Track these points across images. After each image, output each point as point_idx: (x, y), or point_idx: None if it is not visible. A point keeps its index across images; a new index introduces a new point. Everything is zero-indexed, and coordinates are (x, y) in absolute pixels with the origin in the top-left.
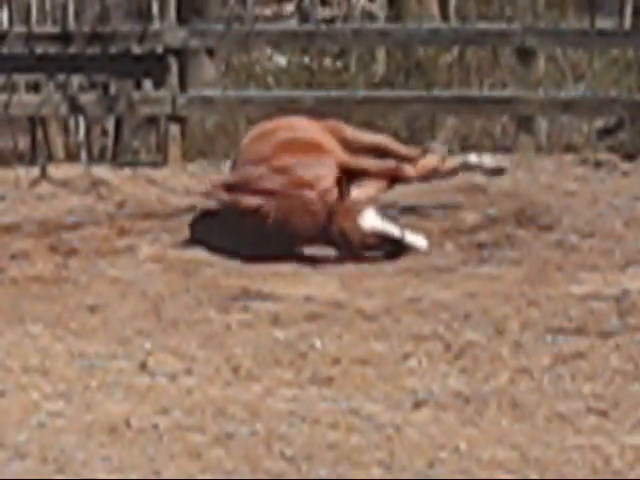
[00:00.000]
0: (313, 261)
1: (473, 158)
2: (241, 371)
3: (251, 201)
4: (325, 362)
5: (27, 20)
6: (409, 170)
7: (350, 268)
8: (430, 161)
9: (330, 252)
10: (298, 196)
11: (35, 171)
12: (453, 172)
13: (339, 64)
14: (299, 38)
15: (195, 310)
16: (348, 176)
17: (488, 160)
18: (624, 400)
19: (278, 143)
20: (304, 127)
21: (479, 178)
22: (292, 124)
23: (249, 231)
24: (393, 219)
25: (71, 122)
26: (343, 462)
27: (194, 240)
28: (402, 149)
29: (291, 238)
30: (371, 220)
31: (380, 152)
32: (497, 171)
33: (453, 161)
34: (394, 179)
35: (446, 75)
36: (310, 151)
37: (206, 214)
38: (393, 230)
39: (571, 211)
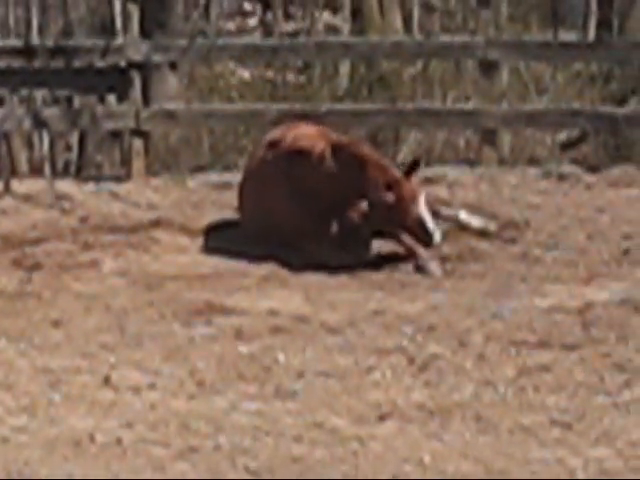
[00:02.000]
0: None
1: (463, 215)
2: (205, 385)
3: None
4: (289, 376)
5: None
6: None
7: (313, 281)
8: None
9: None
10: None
11: None
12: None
13: (303, 78)
14: (262, 52)
15: (159, 324)
16: None
17: (476, 221)
18: (588, 413)
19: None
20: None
21: (442, 191)
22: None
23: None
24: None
25: (35, 136)
26: (307, 476)
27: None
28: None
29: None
30: (422, 206)
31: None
32: (483, 232)
33: (444, 210)
34: None
35: (410, 88)
36: None
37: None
38: (430, 225)
39: (535, 224)
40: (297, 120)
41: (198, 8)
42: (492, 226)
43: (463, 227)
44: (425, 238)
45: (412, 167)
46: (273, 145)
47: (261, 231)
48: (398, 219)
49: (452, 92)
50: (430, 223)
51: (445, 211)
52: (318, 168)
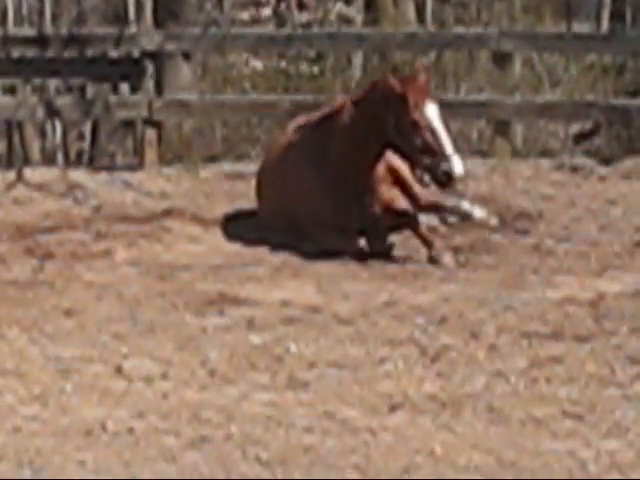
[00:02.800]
0: None
1: (465, 206)
2: (217, 375)
3: None
4: (301, 366)
5: (3, 23)
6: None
7: (326, 271)
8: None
9: None
10: None
11: (11, 175)
12: (440, 208)
13: (316, 68)
14: (276, 42)
15: (171, 314)
16: None
17: (479, 213)
18: (599, 404)
19: None
20: None
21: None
22: None
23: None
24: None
25: (48, 126)
26: (318, 466)
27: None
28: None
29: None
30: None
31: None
32: (485, 224)
33: (446, 199)
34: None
35: None
36: None
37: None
38: (447, 143)
39: (547, 215)
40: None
41: None
42: (493, 221)
43: (466, 218)
44: (443, 167)
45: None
46: (300, 128)
47: (279, 220)
48: (411, 122)
49: (465, 83)
50: (445, 139)
51: (448, 202)
52: (341, 122)
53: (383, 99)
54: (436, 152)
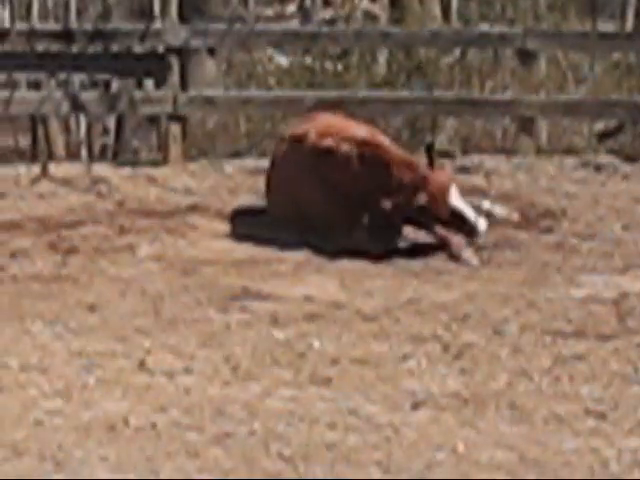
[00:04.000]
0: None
1: (486, 205)
2: (240, 371)
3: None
4: (324, 362)
5: (29, 17)
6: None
7: (349, 268)
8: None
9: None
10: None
11: (36, 169)
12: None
13: (340, 65)
14: (301, 39)
15: (194, 309)
16: None
17: (499, 210)
18: (622, 403)
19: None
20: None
21: (479, 180)
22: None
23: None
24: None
25: (72, 120)
26: (341, 462)
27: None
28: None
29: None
30: (455, 198)
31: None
32: (506, 220)
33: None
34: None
35: (447, 76)
36: None
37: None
38: (471, 214)
39: (571, 214)
40: (331, 108)
41: None
42: (515, 216)
43: (488, 216)
44: (467, 228)
45: (430, 155)
46: (297, 141)
47: (290, 219)
48: (435, 216)
49: (490, 81)
50: (469, 212)
51: (470, 202)
52: (344, 168)
53: (391, 182)
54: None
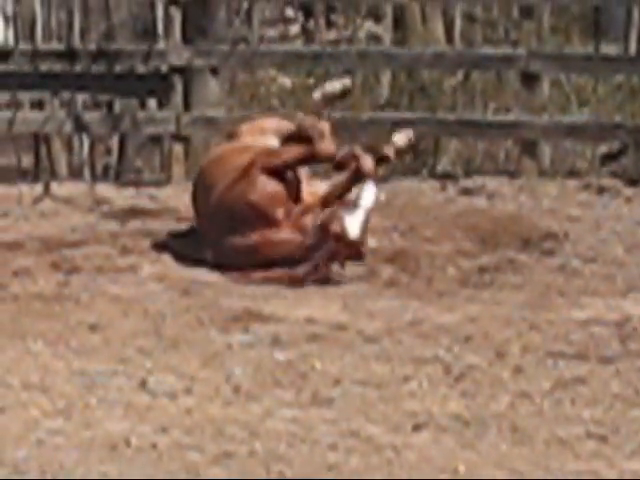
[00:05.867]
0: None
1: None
2: (241, 391)
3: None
4: (325, 383)
5: (32, 37)
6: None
7: (351, 289)
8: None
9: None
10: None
11: (38, 188)
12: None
13: None
14: (304, 59)
15: (196, 330)
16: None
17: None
18: (624, 425)
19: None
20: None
21: (482, 202)
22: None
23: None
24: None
25: (75, 140)
26: None
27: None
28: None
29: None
30: (355, 229)
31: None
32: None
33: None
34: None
35: (450, 98)
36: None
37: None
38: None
39: (574, 236)
40: (334, 129)
41: (240, 14)
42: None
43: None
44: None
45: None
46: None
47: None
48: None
49: (493, 103)
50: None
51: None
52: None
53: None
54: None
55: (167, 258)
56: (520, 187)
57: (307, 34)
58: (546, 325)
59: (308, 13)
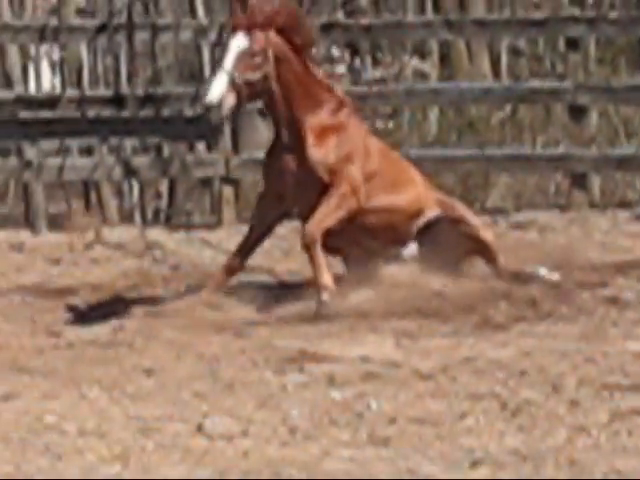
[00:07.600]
0: None
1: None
2: (298, 432)
3: None
4: (382, 422)
5: (79, 84)
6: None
7: (404, 326)
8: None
9: None
10: None
11: (89, 235)
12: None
13: (391, 124)
14: (351, 98)
15: (251, 371)
16: None
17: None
18: None
19: None
20: None
21: (533, 236)
22: None
23: None
24: None
25: (125, 185)
26: None
27: None
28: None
29: None
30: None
31: None
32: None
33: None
34: None
35: (499, 133)
36: None
37: None
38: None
39: (626, 267)
40: None
41: None
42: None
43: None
44: None
45: None
46: None
47: None
48: None
49: (541, 137)
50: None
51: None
52: None
53: None
54: None
55: (220, 300)
56: (571, 220)
57: (353, 73)
58: (601, 357)
59: (354, 52)
